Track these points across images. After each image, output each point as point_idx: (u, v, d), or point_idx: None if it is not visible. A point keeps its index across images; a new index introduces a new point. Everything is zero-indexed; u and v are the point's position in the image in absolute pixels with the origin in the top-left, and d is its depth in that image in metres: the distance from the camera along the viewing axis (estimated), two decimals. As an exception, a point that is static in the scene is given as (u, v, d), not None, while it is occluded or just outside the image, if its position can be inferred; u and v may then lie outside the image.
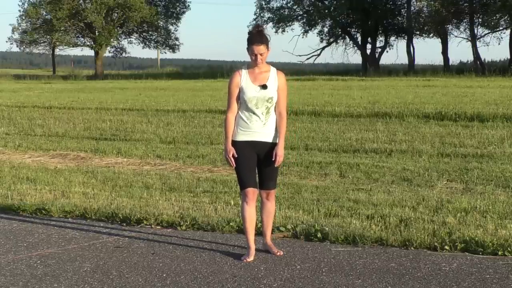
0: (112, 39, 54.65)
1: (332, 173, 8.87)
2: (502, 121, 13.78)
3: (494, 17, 42.59)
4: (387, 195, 7.30)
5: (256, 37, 5.08)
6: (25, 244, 5.81)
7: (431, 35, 47.45)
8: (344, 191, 7.59)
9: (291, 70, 40.11)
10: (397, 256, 5.27)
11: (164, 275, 4.91)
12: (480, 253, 5.28)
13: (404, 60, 59.59)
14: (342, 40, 52.44)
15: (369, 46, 50.67)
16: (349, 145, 11.33)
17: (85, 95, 26.45)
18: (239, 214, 6.08)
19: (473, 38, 43.75)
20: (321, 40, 51.63)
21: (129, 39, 58.49)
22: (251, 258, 5.20)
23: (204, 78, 42.48)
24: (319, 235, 5.78)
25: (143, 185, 8.23)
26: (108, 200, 7.31)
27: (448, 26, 45.69)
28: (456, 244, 5.41)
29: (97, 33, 53.09)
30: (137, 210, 6.76)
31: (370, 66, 46.28)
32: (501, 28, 44.67)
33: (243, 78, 5.15)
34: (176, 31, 60.02)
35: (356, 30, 51.62)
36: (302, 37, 54.45)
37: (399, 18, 50.90)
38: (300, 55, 67.23)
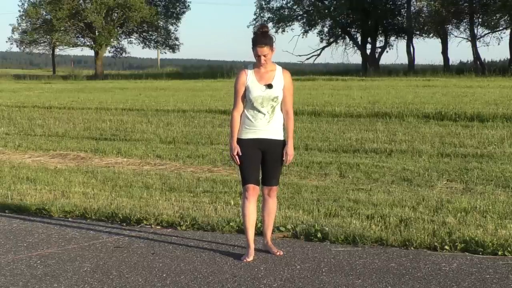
0: (112, 39, 54.64)
1: (332, 173, 8.87)
2: (502, 121, 13.79)
3: (494, 17, 42.61)
4: (387, 195, 7.30)
5: (260, 38, 5.11)
6: (25, 244, 5.81)
7: (431, 35, 47.47)
8: (344, 191, 7.59)
9: (291, 70, 39.42)
10: (397, 256, 5.27)
11: (164, 275, 4.91)
12: (480, 253, 5.28)
13: (404, 60, 59.62)
14: (342, 40, 52.45)
15: (369, 46, 50.71)
16: (349, 145, 11.33)
17: (85, 95, 26.45)
18: (239, 214, 6.08)
19: (473, 38, 43.76)
20: (321, 40, 51.69)
21: (129, 39, 58.56)
22: (250, 258, 5.20)
23: (204, 78, 42.47)
24: (319, 235, 5.78)
25: (143, 185, 8.23)
26: (108, 200, 7.31)
27: (448, 26, 45.71)
28: (456, 244, 5.41)
29: (97, 33, 53.08)
30: (137, 210, 6.76)
31: (370, 66, 46.28)
32: (501, 28, 44.68)
33: (249, 77, 5.18)
34: (176, 31, 60.07)
35: (356, 30, 51.62)
36: (302, 37, 54.52)
37: (399, 18, 50.90)
38: (300, 55, 67.25)
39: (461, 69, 38.29)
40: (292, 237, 5.89)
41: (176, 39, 57.80)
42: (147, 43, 58.13)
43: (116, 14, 53.62)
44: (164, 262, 5.21)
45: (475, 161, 9.49)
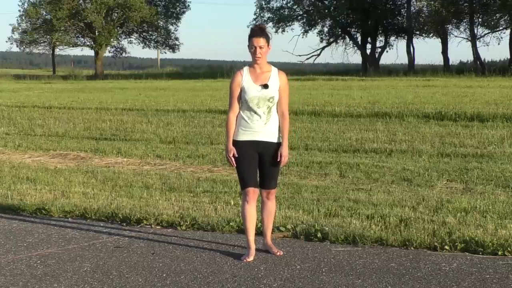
0: (112, 39, 54.64)
1: (332, 173, 8.87)
2: (502, 121, 13.78)
3: (494, 17, 42.59)
4: (387, 195, 7.30)
5: (257, 31, 5.13)
6: (25, 244, 5.81)
7: (431, 35, 47.46)
8: (344, 191, 7.59)
9: (291, 70, 40.05)
10: (397, 256, 5.27)
11: (164, 275, 4.91)
12: (480, 253, 5.28)
13: (404, 60, 59.63)
14: (342, 40, 52.45)
15: (369, 46, 50.70)
16: (349, 145, 11.33)
17: (85, 95, 26.45)
18: (239, 214, 6.08)
19: (473, 38, 43.75)
20: (321, 40, 51.69)
21: (129, 39, 58.57)
22: (251, 258, 5.20)
23: (204, 78, 42.48)
24: (319, 235, 5.78)
25: (143, 185, 8.23)
26: (108, 200, 7.31)
27: (448, 26, 45.70)
28: (456, 244, 5.41)
29: (97, 33, 53.09)
30: (137, 210, 6.76)
31: (370, 66, 46.28)
32: (501, 28, 44.67)
33: (244, 78, 5.16)
34: (176, 31, 60.08)
35: (356, 30, 51.61)
36: (302, 37, 54.54)
37: (399, 18, 50.90)
38: (300, 55, 67.34)
39: (461, 69, 38.29)
40: (292, 237, 5.89)
41: (176, 39, 57.87)
42: (147, 43, 58.15)
43: (116, 14, 53.62)
44: (164, 262, 5.21)
45: (475, 161, 9.49)
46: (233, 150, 5.15)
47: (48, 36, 54.64)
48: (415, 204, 6.83)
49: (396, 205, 6.79)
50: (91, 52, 59.41)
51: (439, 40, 46.60)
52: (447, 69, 41.53)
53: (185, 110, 17.99)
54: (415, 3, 47.21)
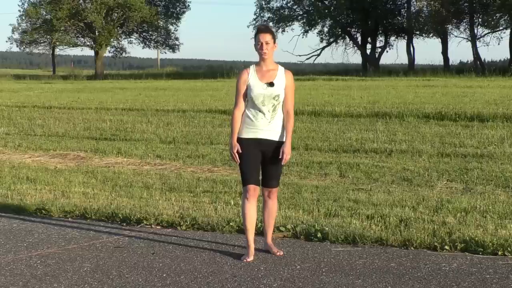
0: (112, 39, 54.61)
1: (332, 173, 8.87)
2: (502, 121, 13.78)
3: (494, 17, 42.59)
4: (387, 195, 7.30)
5: (263, 28, 5.23)
6: (25, 244, 5.81)
7: (431, 35, 47.44)
8: (344, 191, 7.59)
9: (291, 70, 39.92)
10: (397, 256, 5.27)
11: (164, 275, 4.91)
12: (480, 253, 5.28)
13: (404, 60, 59.61)
14: (342, 40, 52.43)
15: (369, 46, 50.70)
16: (349, 145, 11.33)
17: (85, 95, 26.45)
18: (239, 214, 6.08)
19: (473, 38, 43.76)
20: (321, 40, 51.67)
21: (129, 39, 58.47)
22: (251, 258, 5.20)
23: (204, 78, 42.47)
24: (319, 235, 5.78)
25: (143, 185, 8.24)
26: (108, 200, 7.31)
27: (448, 26, 45.67)
28: (456, 244, 5.41)
29: (97, 33, 53.05)
30: (137, 210, 6.76)
31: (370, 66, 46.30)
32: (501, 28, 44.68)
33: (250, 76, 5.20)
34: (176, 31, 59.95)
35: (356, 30, 51.60)
36: (302, 37, 54.69)
37: (399, 18, 50.88)
38: (300, 55, 67.44)
39: (461, 69, 38.25)
40: (292, 237, 5.89)
41: (176, 39, 57.83)
42: (147, 43, 58.12)
43: (116, 14, 53.57)
44: (164, 262, 5.21)
45: (475, 161, 9.49)
46: (237, 146, 5.17)
47: (48, 36, 54.60)
48: (415, 204, 6.84)
49: (396, 205, 6.79)
50: (91, 52, 59.45)
51: (439, 40, 46.63)
52: (447, 69, 41.52)
53: (185, 110, 17.99)
54: (415, 3, 47.24)
